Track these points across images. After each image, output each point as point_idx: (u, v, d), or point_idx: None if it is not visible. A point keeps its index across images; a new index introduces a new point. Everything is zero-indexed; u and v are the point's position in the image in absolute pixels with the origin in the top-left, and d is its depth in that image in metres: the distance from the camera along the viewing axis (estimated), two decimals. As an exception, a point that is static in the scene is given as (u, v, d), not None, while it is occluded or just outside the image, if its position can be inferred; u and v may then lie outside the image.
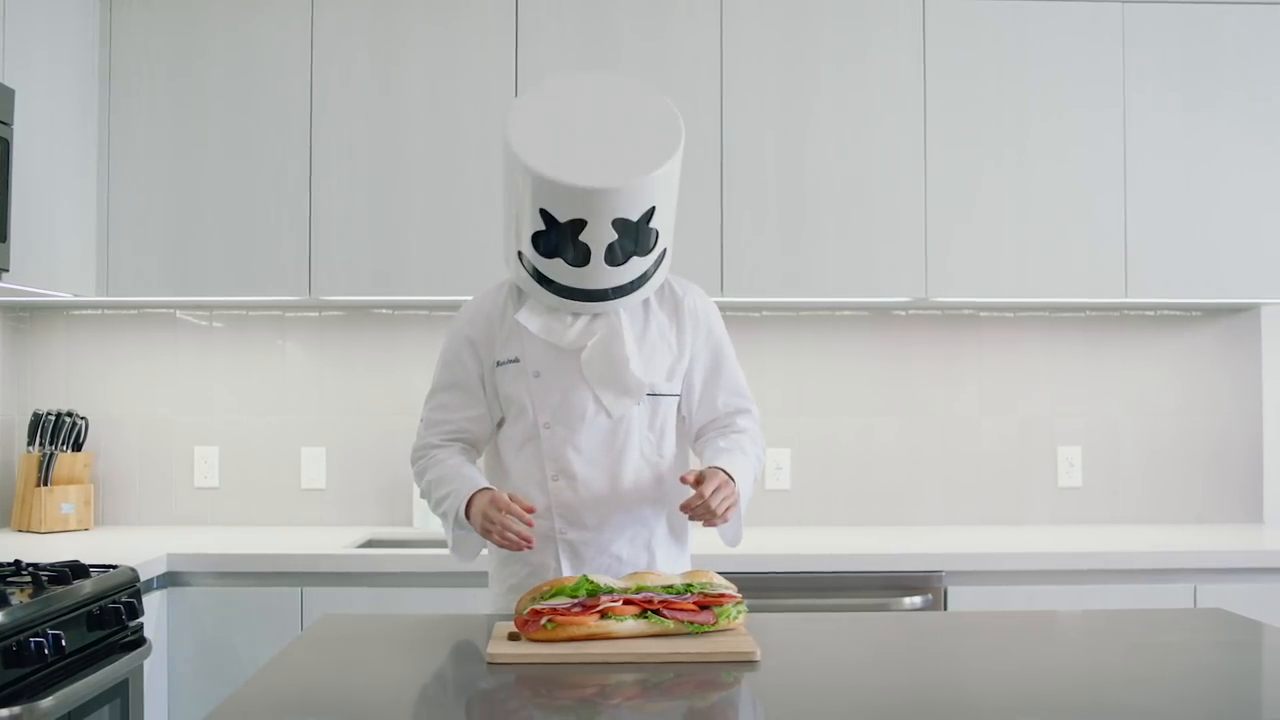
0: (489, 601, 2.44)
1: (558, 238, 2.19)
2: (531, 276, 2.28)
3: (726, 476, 2.23)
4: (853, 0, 3.43)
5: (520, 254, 2.28)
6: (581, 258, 2.20)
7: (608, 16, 3.41)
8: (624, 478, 2.31)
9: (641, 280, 2.28)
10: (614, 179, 2.14)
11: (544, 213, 2.18)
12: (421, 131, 3.39)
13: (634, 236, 2.20)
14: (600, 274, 2.22)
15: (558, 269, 2.23)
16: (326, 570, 3.07)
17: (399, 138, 3.39)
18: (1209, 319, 3.82)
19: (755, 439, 2.41)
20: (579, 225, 2.17)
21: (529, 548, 2.20)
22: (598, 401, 2.29)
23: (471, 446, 2.41)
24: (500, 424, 2.40)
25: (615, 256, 2.21)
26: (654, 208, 2.19)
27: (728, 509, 2.21)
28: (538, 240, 2.22)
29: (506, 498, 2.20)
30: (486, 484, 2.28)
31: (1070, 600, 3.09)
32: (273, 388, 3.73)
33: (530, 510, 2.20)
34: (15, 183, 2.91)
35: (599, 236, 2.18)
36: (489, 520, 2.19)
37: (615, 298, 2.28)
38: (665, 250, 2.30)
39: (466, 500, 2.25)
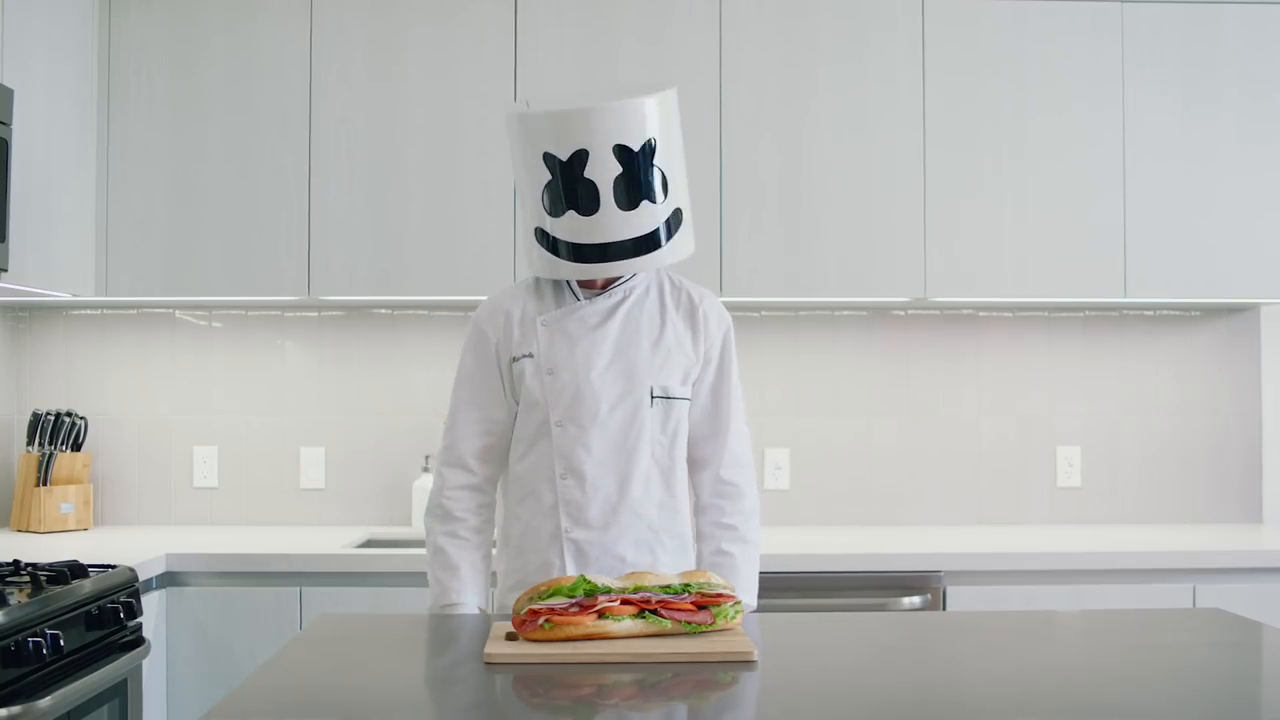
0: (494, 597, 2.45)
1: (565, 181, 2.21)
2: (550, 250, 2.27)
3: None
4: (852, 0, 3.44)
5: (537, 231, 2.29)
6: (591, 200, 2.21)
7: (607, 17, 3.41)
8: (633, 480, 2.31)
9: (659, 238, 2.25)
10: (605, 101, 2.22)
11: (547, 158, 2.22)
12: (420, 131, 3.39)
13: (640, 173, 2.21)
14: (613, 220, 2.22)
15: (571, 226, 2.23)
16: (325, 570, 3.07)
17: (398, 138, 3.39)
18: (1208, 319, 3.82)
19: (741, 496, 2.40)
20: (582, 160, 2.19)
21: None
22: (609, 402, 2.30)
23: (495, 460, 2.40)
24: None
25: (625, 196, 2.21)
26: (654, 140, 2.21)
27: None
28: (547, 199, 2.24)
29: None
30: (473, 605, 2.31)
31: (1069, 600, 3.09)
32: (272, 388, 3.73)
33: None
34: (14, 183, 2.91)
35: (604, 169, 2.19)
36: None
37: (634, 254, 2.24)
38: (680, 212, 2.29)
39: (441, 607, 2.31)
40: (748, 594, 2.36)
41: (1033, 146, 3.44)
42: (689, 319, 2.38)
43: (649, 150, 2.22)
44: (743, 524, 2.39)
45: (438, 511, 2.37)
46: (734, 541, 2.38)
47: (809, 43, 3.43)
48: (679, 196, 2.29)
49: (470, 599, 2.31)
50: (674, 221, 2.28)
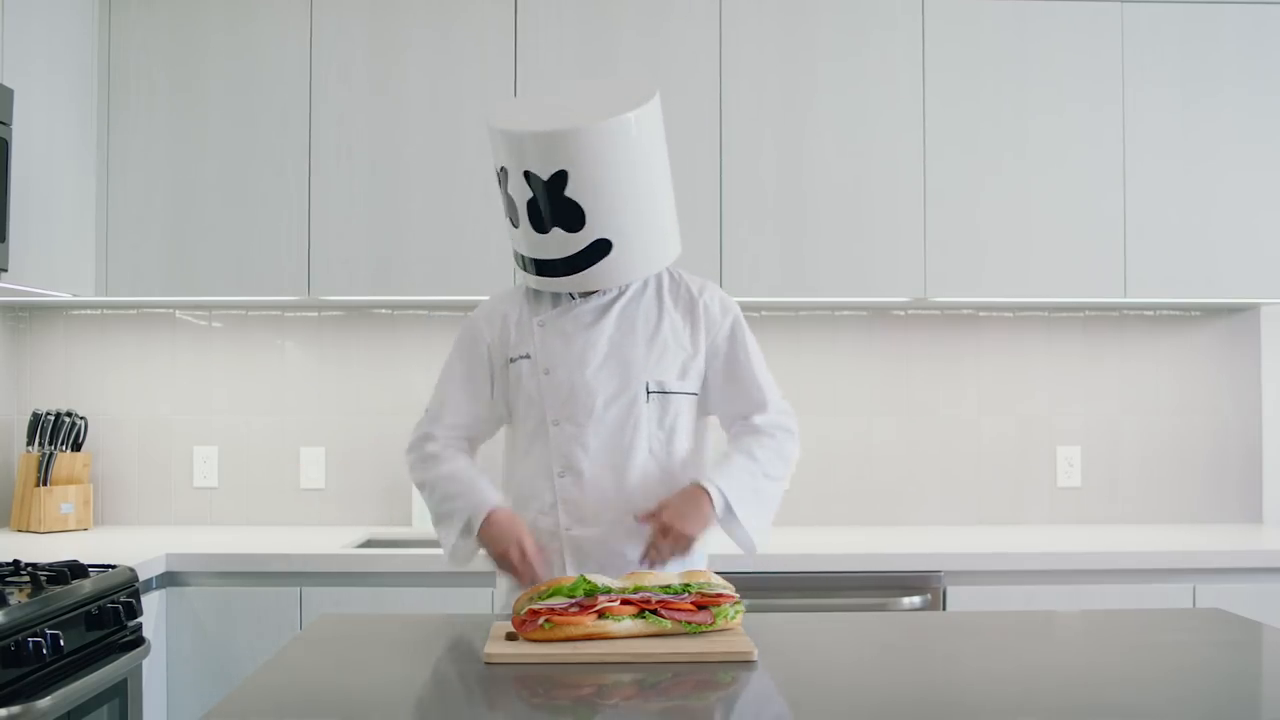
0: (499, 597, 2.45)
1: (503, 191, 2.32)
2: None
3: (679, 513, 2.23)
4: None
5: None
6: (513, 214, 2.31)
7: (607, 15, 3.41)
8: (631, 476, 2.32)
9: (581, 262, 2.25)
10: (518, 125, 2.21)
11: (498, 169, 2.33)
12: (421, 131, 3.39)
13: (550, 202, 2.23)
14: (535, 238, 2.28)
15: (511, 232, 2.36)
16: (325, 570, 3.07)
17: (398, 137, 3.39)
18: (1208, 319, 3.82)
19: (771, 436, 2.38)
20: (505, 175, 2.28)
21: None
22: (605, 398, 2.31)
23: (472, 446, 2.45)
24: (509, 420, 2.43)
25: (537, 219, 2.25)
26: (565, 174, 2.19)
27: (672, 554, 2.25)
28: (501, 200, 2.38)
29: (534, 544, 2.25)
30: (499, 502, 2.31)
31: (1069, 600, 3.09)
32: (272, 388, 3.73)
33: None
34: (14, 183, 2.91)
35: (518, 190, 2.25)
36: (506, 557, 2.25)
37: (565, 273, 2.27)
38: (608, 243, 2.25)
39: (483, 516, 2.28)
40: (727, 481, 2.28)
41: (1033, 146, 3.44)
42: (688, 312, 2.38)
43: (559, 182, 2.20)
44: (755, 446, 2.35)
45: (418, 460, 2.40)
46: (737, 453, 2.35)
47: (809, 41, 3.43)
48: (605, 227, 2.23)
49: (492, 494, 2.32)
50: (595, 253, 2.25)
